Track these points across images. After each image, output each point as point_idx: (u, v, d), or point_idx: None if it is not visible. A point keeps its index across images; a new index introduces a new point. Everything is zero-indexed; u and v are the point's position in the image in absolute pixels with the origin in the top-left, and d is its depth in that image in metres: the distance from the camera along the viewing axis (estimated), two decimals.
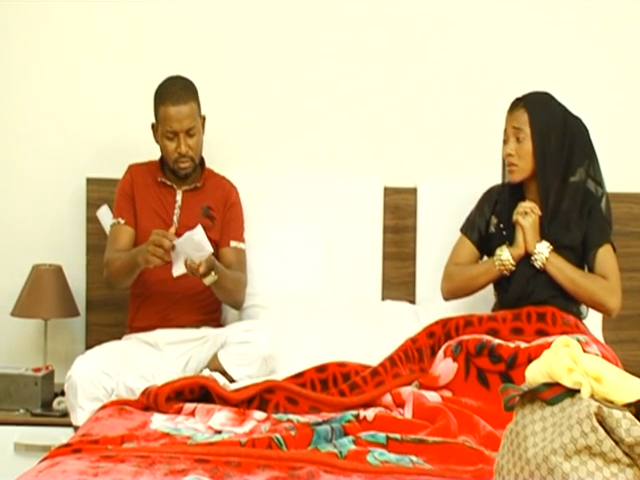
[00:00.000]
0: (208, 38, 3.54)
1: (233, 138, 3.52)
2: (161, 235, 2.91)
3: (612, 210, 3.12)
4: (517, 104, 3.04)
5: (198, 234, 2.90)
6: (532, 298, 2.99)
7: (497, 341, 2.73)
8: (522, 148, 3.02)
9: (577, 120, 3.06)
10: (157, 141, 3.16)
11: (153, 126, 3.16)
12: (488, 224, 3.14)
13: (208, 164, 3.28)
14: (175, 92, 3.10)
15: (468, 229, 3.17)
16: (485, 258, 3.15)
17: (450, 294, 3.16)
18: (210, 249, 2.92)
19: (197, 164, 3.19)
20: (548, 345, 1.89)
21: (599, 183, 3.08)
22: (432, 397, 2.58)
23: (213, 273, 2.97)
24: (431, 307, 3.30)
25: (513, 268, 3.02)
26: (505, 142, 3.06)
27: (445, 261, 3.20)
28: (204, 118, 3.17)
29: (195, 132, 3.12)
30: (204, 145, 3.20)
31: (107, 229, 3.25)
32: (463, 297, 3.16)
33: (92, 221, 3.41)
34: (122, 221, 3.15)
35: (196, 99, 3.14)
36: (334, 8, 3.55)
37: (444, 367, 2.71)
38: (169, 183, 3.18)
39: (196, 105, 3.13)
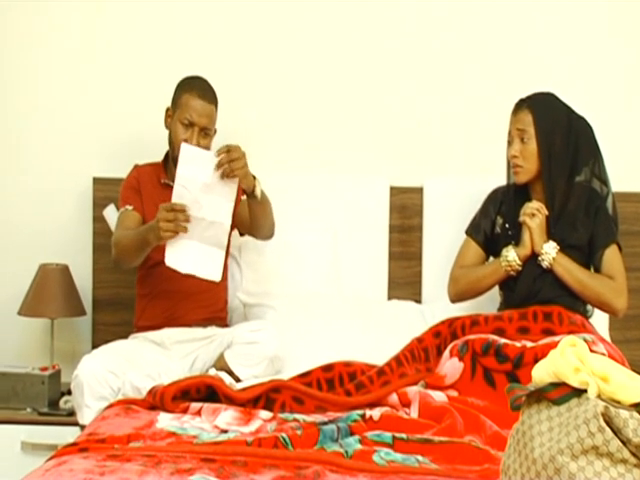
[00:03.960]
0: (216, 39, 3.54)
1: (239, 138, 3.51)
2: (169, 208, 2.80)
3: (618, 209, 3.12)
4: (521, 105, 3.03)
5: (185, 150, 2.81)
6: (538, 297, 2.99)
7: (503, 340, 2.72)
8: (527, 149, 3.02)
9: (581, 119, 3.05)
10: (167, 126, 3.16)
11: (167, 110, 3.16)
12: (494, 225, 3.14)
13: None
14: (204, 88, 3.12)
15: (473, 231, 3.16)
16: (491, 259, 3.15)
17: (457, 297, 3.15)
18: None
19: None
20: (555, 344, 1.89)
21: (604, 182, 3.08)
22: (438, 397, 2.57)
23: (257, 180, 2.92)
24: (437, 307, 3.30)
25: (519, 268, 3.02)
26: (509, 143, 3.06)
27: (451, 260, 3.20)
28: (215, 131, 3.18)
29: (209, 134, 3.12)
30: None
31: (113, 228, 3.25)
32: (470, 299, 3.15)
33: (99, 221, 3.41)
34: (130, 207, 3.13)
35: (217, 107, 3.15)
36: (341, 11, 3.55)
37: (450, 367, 2.71)
38: (172, 184, 3.18)
39: (216, 113, 3.14)
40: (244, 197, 3.05)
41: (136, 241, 2.97)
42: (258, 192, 2.96)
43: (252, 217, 3.09)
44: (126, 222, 3.11)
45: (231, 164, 2.83)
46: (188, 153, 2.82)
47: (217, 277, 2.89)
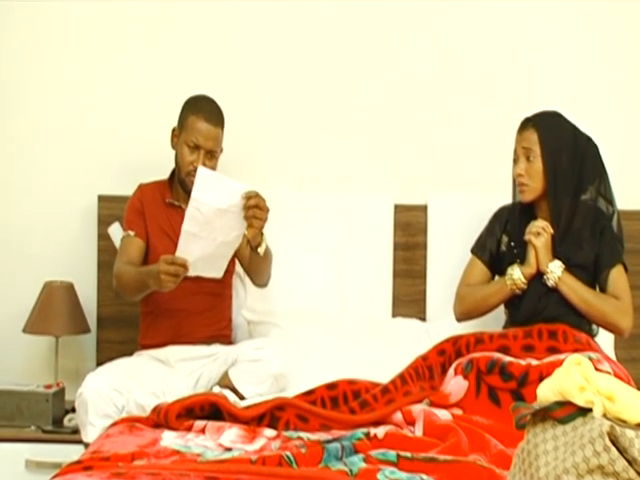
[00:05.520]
0: (221, 58, 3.56)
1: (244, 155, 3.53)
2: (170, 261, 2.83)
3: (623, 228, 3.12)
4: (526, 124, 3.04)
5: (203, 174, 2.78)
6: (543, 316, 2.99)
7: (508, 358, 2.72)
8: (532, 168, 3.02)
9: (587, 138, 3.06)
10: (173, 146, 3.16)
11: (173, 130, 3.17)
12: (499, 243, 3.14)
13: None
14: (211, 110, 3.12)
15: (479, 250, 3.17)
16: (497, 278, 3.14)
17: (463, 315, 3.15)
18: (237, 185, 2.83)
19: None
20: (560, 363, 1.89)
21: (610, 201, 3.08)
22: (443, 415, 2.57)
23: (264, 237, 2.95)
24: (442, 324, 3.29)
25: (525, 287, 3.02)
26: (515, 162, 3.07)
27: (456, 278, 3.20)
28: (222, 150, 3.18)
29: (215, 156, 3.13)
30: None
31: (118, 246, 3.25)
32: (476, 318, 3.15)
33: (103, 238, 3.42)
34: (132, 233, 3.14)
35: (223, 128, 3.15)
36: (346, 29, 3.56)
37: (455, 385, 2.71)
38: (177, 204, 3.18)
39: (222, 133, 3.14)
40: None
41: (137, 282, 2.99)
42: (262, 250, 2.97)
43: (250, 266, 3.10)
44: (128, 249, 3.12)
45: (256, 211, 2.82)
46: (205, 177, 2.80)
47: (219, 275, 2.94)
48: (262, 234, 2.95)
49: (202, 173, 2.80)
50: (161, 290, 2.91)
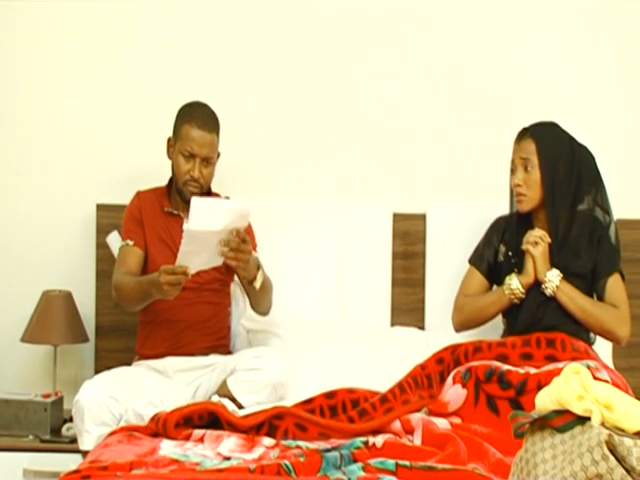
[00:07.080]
0: (220, 67, 3.56)
1: (243, 164, 3.54)
2: (170, 271, 2.82)
3: (620, 237, 3.13)
4: (524, 134, 3.05)
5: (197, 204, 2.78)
6: (542, 325, 2.99)
7: (506, 367, 2.72)
8: (530, 178, 3.03)
9: (584, 148, 3.07)
10: (169, 156, 3.16)
11: (169, 140, 3.17)
12: (497, 253, 3.15)
13: (218, 190, 3.28)
14: (203, 117, 3.11)
15: (477, 260, 3.17)
16: (495, 288, 3.15)
17: (461, 326, 3.16)
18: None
19: (204, 193, 3.18)
20: (558, 371, 1.90)
21: (607, 211, 3.09)
22: (441, 424, 2.57)
23: (260, 271, 2.95)
24: (440, 333, 3.30)
25: (523, 296, 3.02)
26: (513, 172, 3.08)
27: (454, 287, 3.20)
28: (219, 154, 3.18)
29: (211, 162, 3.12)
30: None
31: (116, 255, 3.25)
32: (475, 328, 3.15)
33: (102, 247, 3.42)
34: (131, 242, 3.13)
35: (219, 133, 3.14)
36: (343, 38, 3.57)
37: (453, 393, 2.71)
38: (176, 212, 3.18)
39: (217, 138, 3.14)
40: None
41: (138, 292, 2.99)
42: (257, 284, 2.98)
43: (248, 296, 3.11)
44: (127, 259, 3.11)
45: (238, 253, 2.84)
46: (199, 207, 2.79)
47: (219, 263, 2.93)
48: (259, 268, 2.96)
49: (196, 204, 2.78)
50: (165, 298, 2.91)
